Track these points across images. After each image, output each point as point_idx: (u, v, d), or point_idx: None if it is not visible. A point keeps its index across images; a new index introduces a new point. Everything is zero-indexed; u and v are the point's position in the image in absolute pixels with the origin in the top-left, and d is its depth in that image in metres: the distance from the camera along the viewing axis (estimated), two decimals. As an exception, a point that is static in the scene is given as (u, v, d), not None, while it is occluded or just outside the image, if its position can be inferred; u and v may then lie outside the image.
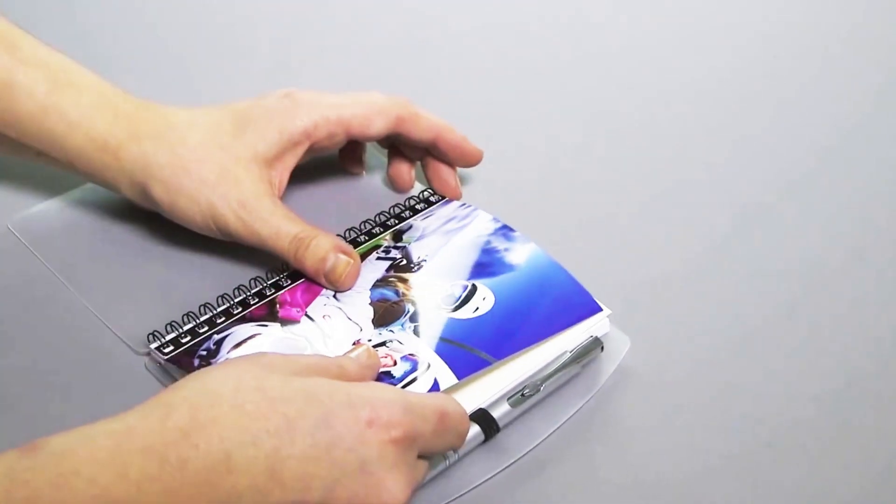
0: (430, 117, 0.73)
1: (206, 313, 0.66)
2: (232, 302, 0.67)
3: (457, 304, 0.66)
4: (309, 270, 0.67)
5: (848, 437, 0.64)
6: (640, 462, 0.62)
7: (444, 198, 0.75)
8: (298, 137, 0.69)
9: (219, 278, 0.69)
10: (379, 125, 0.71)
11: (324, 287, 0.68)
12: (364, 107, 0.71)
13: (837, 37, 0.95)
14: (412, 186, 0.76)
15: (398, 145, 0.75)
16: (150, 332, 0.65)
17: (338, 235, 0.71)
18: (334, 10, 0.95)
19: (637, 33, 0.94)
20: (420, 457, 0.56)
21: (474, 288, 0.67)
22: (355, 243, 0.71)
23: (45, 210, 0.74)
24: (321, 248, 0.67)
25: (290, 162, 0.70)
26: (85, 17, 0.93)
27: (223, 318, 0.66)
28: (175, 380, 0.62)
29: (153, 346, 0.64)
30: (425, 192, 0.75)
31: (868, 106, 0.88)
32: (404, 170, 0.76)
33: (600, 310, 0.66)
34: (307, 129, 0.69)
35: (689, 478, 0.61)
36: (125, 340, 0.66)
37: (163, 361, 0.64)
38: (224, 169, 0.67)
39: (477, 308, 0.66)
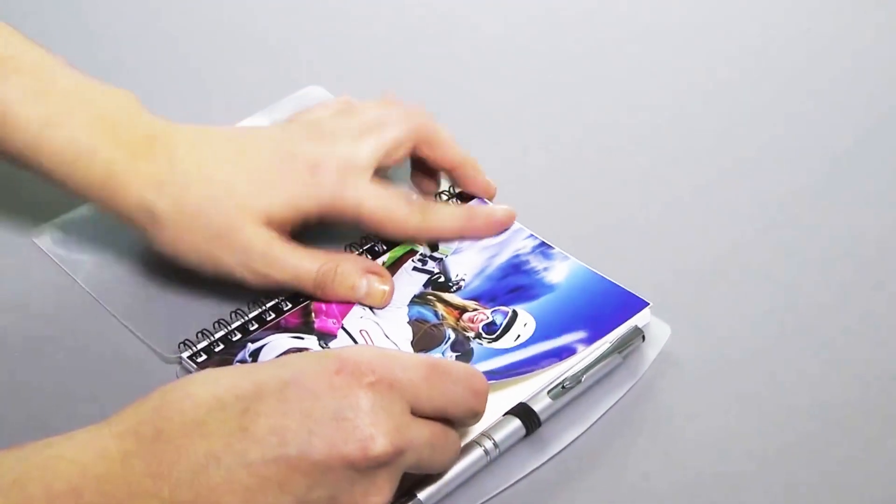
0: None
1: (237, 320, 0.65)
2: (264, 307, 0.66)
3: (498, 333, 0.64)
4: (343, 301, 0.66)
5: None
6: (684, 453, 0.60)
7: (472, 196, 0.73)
8: (314, 211, 0.66)
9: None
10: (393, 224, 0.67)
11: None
12: (384, 200, 0.66)
13: (869, 28, 0.92)
14: (438, 188, 0.74)
15: None
16: (181, 340, 0.64)
17: (366, 237, 0.70)
18: (353, 8, 0.94)
19: (666, 28, 0.92)
20: (448, 424, 0.54)
21: (515, 315, 0.65)
22: (389, 245, 0.70)
23: (69, 221, 0.73)
24: (348, 275, 0.65)
25: (300, 223, 0.66)
26: (96, 16, 0.93)
27: (256, 325, 0.65)
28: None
29: (185, 354, 0.63)
30: (455, 188, 0.73)
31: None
32: (426, 175, 0.73)
33: (647, 304, 0.64)
34: (322, 206, 0.65)
35: (734, 469, 0.59)
36: (156, 350, 0.65)
37: (195, 371, 0.63)
38: (230, 227, 0.64)
39: (518, 336, 0.64)
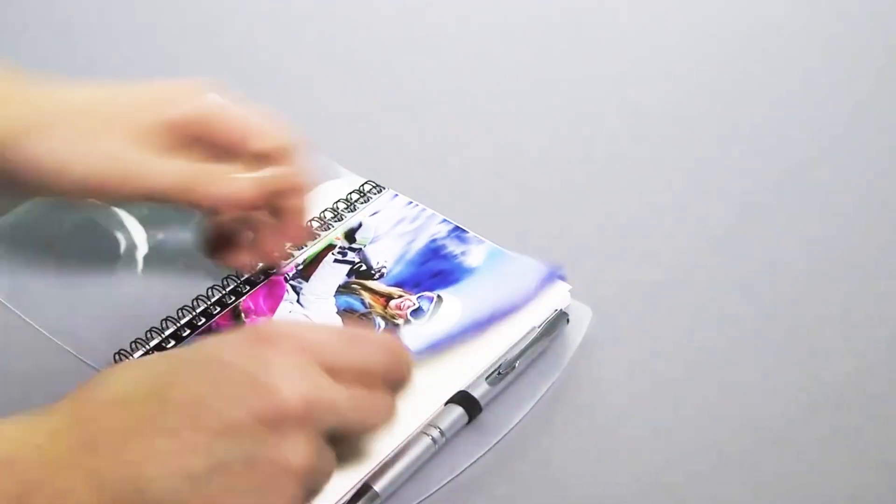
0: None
1: (169, 327, 0.66)
2: (194, 313, 0.66)
3: (425, 318, 0.66)
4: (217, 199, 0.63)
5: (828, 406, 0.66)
6: (617, 426, 0.63)
7: (382, 188, 0.75)
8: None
9: (176, 291, 0.68)
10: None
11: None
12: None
13: (831, 30, 0.93)
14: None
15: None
16: (116, 351, 0.64)
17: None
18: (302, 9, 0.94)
19: (619, 27, 0.93)
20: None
21: (440, 299, 0.67)
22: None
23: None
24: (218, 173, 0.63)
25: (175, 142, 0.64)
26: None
27: (188, 331, 0.66)
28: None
29: (120, 365, 0.64)
30: (365, 186, 0.75)
31: (864, 103, 0.86)
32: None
33: (562, 277, 0.67)
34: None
35: (668, 442, 0.63)
36: (92, 364, 0.64)
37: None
38: (102, 132, 0.63)
39: (447, 320, 0.66)
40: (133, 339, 0.65)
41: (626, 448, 0.62)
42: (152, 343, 0.65)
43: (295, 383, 0.50)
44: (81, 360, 0.65)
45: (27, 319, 0.67)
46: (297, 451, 0.50)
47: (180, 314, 0.66)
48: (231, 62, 0.89)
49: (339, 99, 0.85)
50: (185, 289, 0.68)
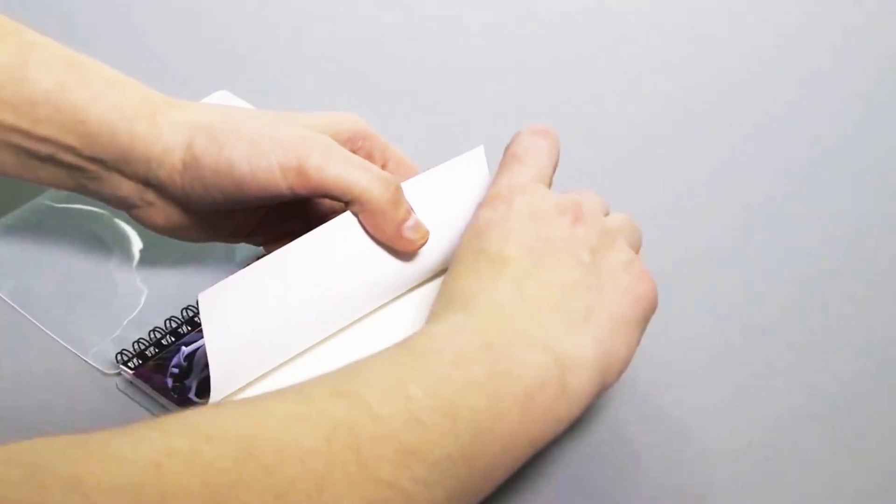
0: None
1: (170, 327, 0.66)
2: (197, 311, 0.67)
3: None
4: (396, 220, 0.60)
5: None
6: (619, 427, 0.64)
7: None
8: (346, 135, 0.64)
9: (182, 291, 0.68)
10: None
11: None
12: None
13: (844, 28, 0.94)
14: None
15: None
16: (119, 351, 0.65)
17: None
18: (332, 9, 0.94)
19: (635, 27, 0.93)
20: None
21: None
22: None
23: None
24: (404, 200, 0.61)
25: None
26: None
27: (189, 328, 0.66)
28: (146, 395, 0.63)
29: (121, 364, 0.64)
30: None
31: (872, 103, 0.86)
32: None
33: None
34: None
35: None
36: (94, 365, 0.65)
37: (130, 377, 0.64)
38: (285, 119, 0.61)
39: None
40: (136, 339, 0.65)
41: (627, 449, 0.63)
42: (153, 342, 0.65)
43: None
44: (85, 360, 0.66)
45: (31, 318, 0.68)
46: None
47: (184, 314, 0.67)
48: (230, 62, 0.89)
49: (337, 99, 0.85)
50: (192, 289, 0.68)
